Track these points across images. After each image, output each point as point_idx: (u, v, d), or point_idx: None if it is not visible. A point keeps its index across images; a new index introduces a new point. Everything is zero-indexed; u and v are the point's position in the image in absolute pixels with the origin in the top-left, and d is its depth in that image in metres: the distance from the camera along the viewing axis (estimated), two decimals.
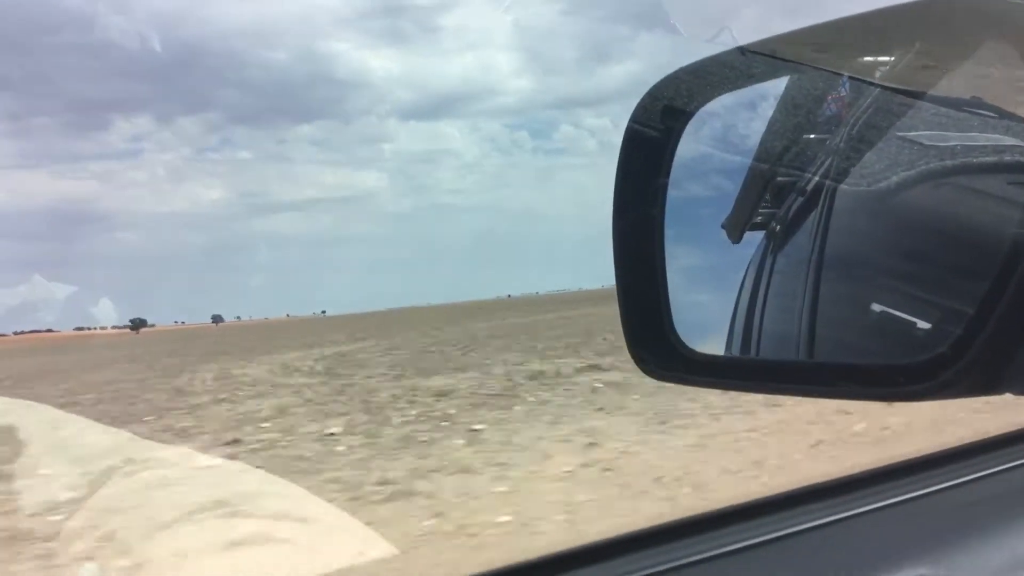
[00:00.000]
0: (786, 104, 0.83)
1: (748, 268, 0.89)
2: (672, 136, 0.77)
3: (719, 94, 0.77)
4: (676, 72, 0.74)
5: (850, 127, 0.77)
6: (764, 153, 0.85)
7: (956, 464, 0.45)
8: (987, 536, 0.35)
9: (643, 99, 0.75)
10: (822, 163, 0.80)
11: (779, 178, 0.85)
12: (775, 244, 0.87)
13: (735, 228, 0.89)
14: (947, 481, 0.43)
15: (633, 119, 0.76)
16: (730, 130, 0.93)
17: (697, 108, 0.77)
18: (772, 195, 0.85)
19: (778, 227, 0.86)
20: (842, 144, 0.77)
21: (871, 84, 0.74)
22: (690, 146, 0.85)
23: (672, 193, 0.94)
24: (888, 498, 0.42)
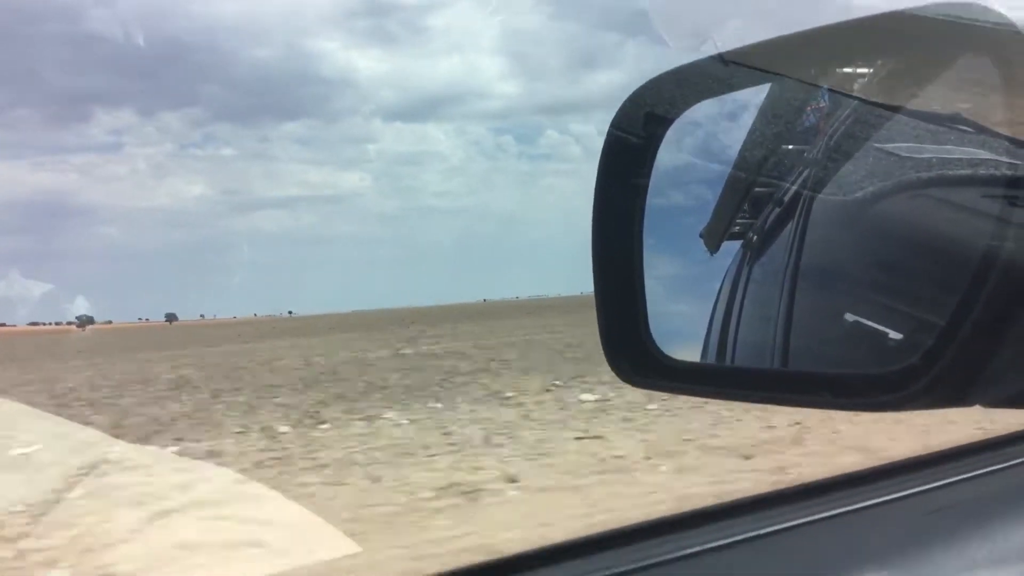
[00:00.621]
0: (765, 114, 0.83)
1: (725, 277, 0.90)
2: (653, 141, 0.77)
3: (700, 100, 0.77)
4: (657, 77, 0.74)
5: (828, 139, 0.77)
6: (743, 163, 0.85)
7: (921, 472, 0.45)
8: (948, 543, 0.35)
9: (624, 104, 0.75)
10: (800, 174, 0.81)
11: (757, 188, 0.85)
12: (752, 254, 0.88)
13: (713, 238, 0.89)
14: (911, 488, 0.43)
15: (614, 125, 0.75)
16: (710, 139, 0.93)
17: (678, 114, 0.77)
18: (750, 205, 0.85)
19: (755, 237, 0.86)
20: (820, 155, 0.77)
21: (850, 97, 0.75)
22: (670, 154, 0.86)
23: (652, 201, 0.94)
24: (852, 503, 0.42)
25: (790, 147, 0.83)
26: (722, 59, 0.67)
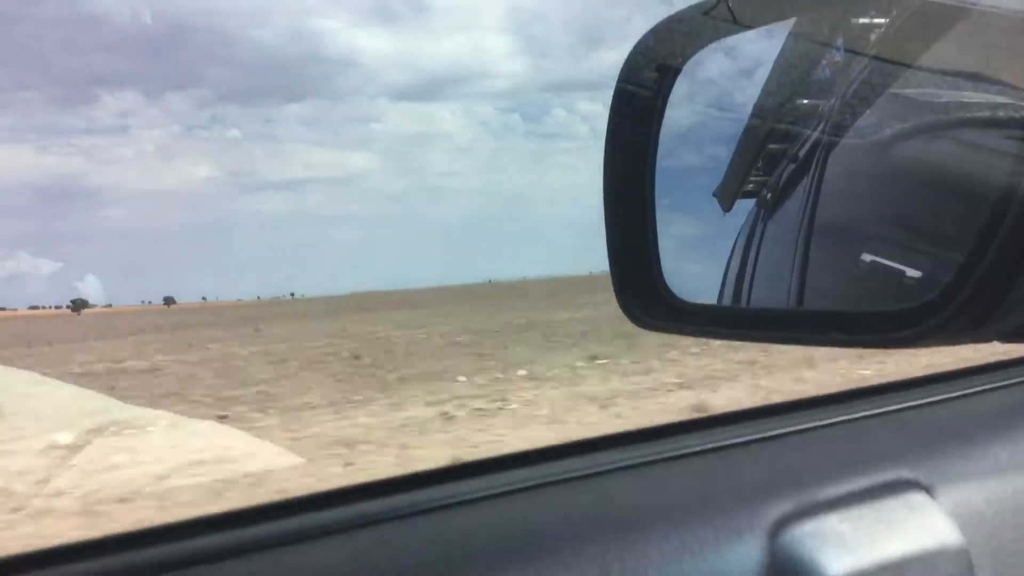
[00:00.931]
0: (777, 71, 0.83)
1: (739, 235, 0.90)
2: (662, 90, 0.77)
3: (707, 44, 0.78)
4: (662, 23, 0.74)
5: (843, 93, 0.77)
6: (755, 121, 0.86)
7: (945, 383, 0.45)
8: (972, 446, 0.36)
9: (630, 55, 0.75)
10: (814, 130, 0.81)
11: (770, 146, 0.86)
12: (766, 211, 0.88)
13: (726, 197, 0.90)
14: (938, 395, 0.43)
15: (621, 77, 0.76)
16: (722, 96, 0.93)
17: (686, 61, 0.77)
18: (764, 163, 0.86)
19: (769, 195, 0.87)
20: (835, 111, 0.78)
21: (863, 52, 0.75)
22: (682, 112, 0.86)
23: (665, 163, 0.95)
24: (875, 408, 0.43)
25: (804, 102, 0.84)
26: (727, 3, 0.67)
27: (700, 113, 0.92)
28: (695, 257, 0.95)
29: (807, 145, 0.81)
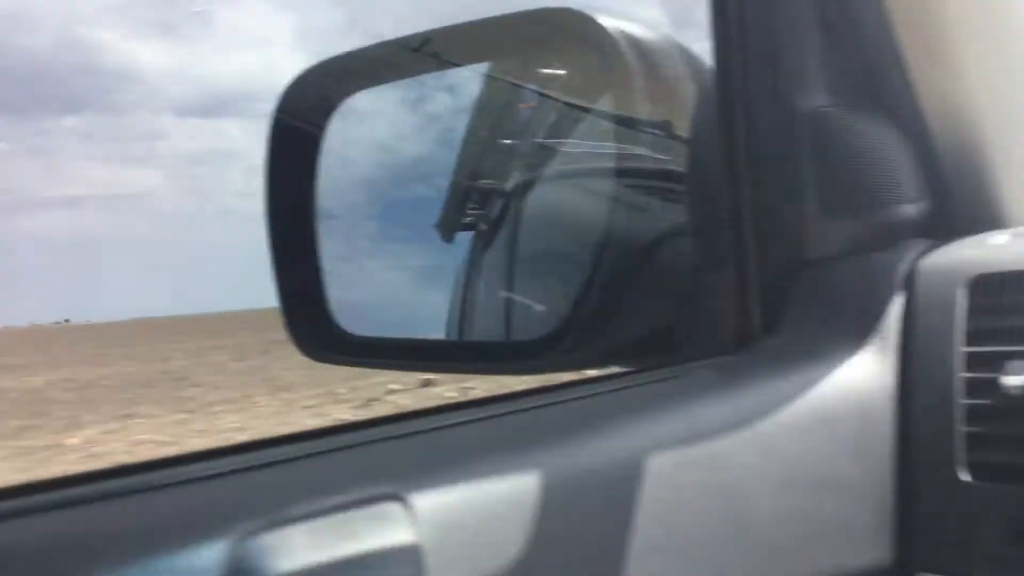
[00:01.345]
0: (478, 111, 0.88)
1: (462, 265, 0.94)
2: (322, 125, 0.78)
3: (372, 84, 0.80)
4: (327, 60, 0.76)
5: (534, 135, 0.83)
6: (464, 158, 0.90)
7: (487, 405, 0.48)
8: (458, 462, 0.39)
9: (289, 87, 0.75)
10: (515, 167, 0.86)
11: (482, 181, 0.90)
12: (482, 243, 0.92)
13: (447, 229, 0.93)
14: (453, 420, 0.46)
15: (280, 109, 0.75)
16: (442, 132, 0.97)
17: (347, 96, 0.79)
18: (479, 197, 0.90)
19: (484, 227, 0.91)
20: (528, 150, 0.83)
21: (551, 97, 0.81)
22: (411, 145, 0.87)
23: (397, 194, 0.96)
24: (380, 434, 0.44)
25: (505, 142, 0.89)
26: (397, 45, 0.70)
27: (426, 154, 0.95)
28: (427, 293, 0.96)
29: (510, 182, 0.86)
